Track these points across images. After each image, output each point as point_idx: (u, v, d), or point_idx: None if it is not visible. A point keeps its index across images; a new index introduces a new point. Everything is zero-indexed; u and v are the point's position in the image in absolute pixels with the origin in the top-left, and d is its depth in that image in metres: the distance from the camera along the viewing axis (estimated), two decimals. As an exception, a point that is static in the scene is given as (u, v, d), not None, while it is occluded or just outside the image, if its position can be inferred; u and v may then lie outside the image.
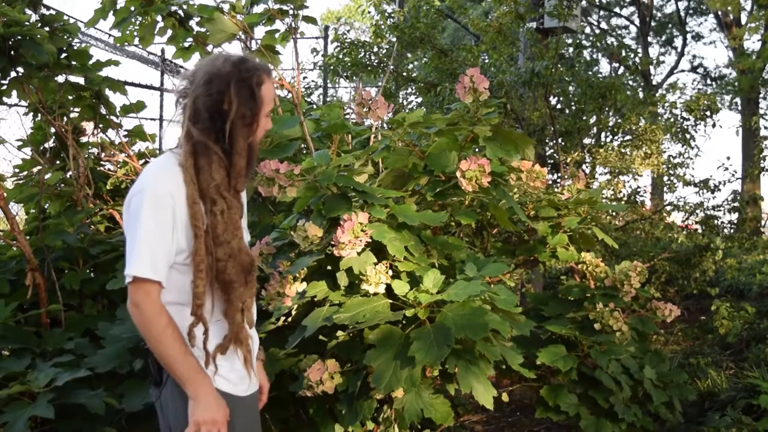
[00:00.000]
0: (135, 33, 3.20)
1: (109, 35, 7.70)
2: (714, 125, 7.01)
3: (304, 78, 9.94)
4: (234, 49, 4.70)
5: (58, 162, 3.70)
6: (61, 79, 3.38)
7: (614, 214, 6.72)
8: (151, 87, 8.52)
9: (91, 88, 3.45)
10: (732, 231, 7.12)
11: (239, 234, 1.73)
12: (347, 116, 3.96)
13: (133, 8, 3.06)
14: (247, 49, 3.12)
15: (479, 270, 2.35)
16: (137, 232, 1.63)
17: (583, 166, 6.64)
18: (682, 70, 23.74)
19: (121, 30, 3.15)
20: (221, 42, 3.01)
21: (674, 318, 3.18)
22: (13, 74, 3.17)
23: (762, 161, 8.54)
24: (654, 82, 18.57)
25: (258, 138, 1.77)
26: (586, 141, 7.11)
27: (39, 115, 3.52)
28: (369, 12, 9.06)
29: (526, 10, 7.31)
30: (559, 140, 6.59)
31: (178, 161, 1.70)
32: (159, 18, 3.15)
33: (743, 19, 15.90)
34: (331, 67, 8.69)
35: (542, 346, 2.89)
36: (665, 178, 7.22)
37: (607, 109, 6.73)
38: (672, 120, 7.07)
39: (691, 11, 20.97)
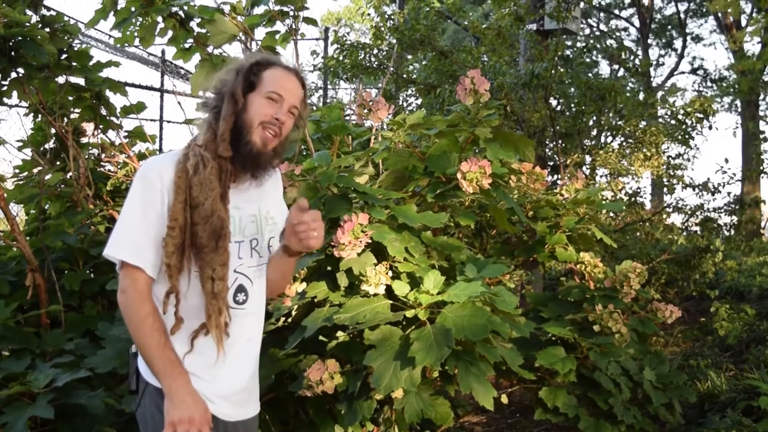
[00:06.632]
0: (135, 34, 3.20)
1: (110, 36, 7.72)
2: (711, 127, 7.02)
3: (305, 79, 9.90)
4: (234, 50, 4.71)
5: (58, 163, 3.70)
6: (61, 80, 3.38)
7: (614, 215, 6.73)
8: (151, 88, 8.53)
9: (91, 89, 3.46)
10: (731, 233, 7.12)
11: (213, 195, 1.64)
12: (347, 118, 3.96)
13: (133, 9, 3.05)
14: (247, 50, 3.12)
15: (479, 271, 2.35)
16: (124, 214, 1.66)
17: (583, 168, 6.64)
18: (682, 72, 23.79)
19: (121, 31, 3.15)
20: (222, 43, 3.01)
21: (674, 319, 3.18)
22: (13, 75, 3.18)
23: (761, 163, 8.54)
24: (654, 84, 18.58)
25: (254, 116, 1.70)
26: (586, 143, 7.11)
27: (39, 115, 3.53)
28: (369, 14, 9.05)
29: (525, 12, 7.32)
30: (559, 142, 6.59)
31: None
32: (159, 19, 3.14)
33: (743, 21, 15.91)
34: (331, 69, 8.69)
35: (541, 348, 2.88)
36: (665, 180, 7.22)
37: (607, 110, 6.73)
38: (671, 121, 7.07)
39: (691, 13, 20.97)
